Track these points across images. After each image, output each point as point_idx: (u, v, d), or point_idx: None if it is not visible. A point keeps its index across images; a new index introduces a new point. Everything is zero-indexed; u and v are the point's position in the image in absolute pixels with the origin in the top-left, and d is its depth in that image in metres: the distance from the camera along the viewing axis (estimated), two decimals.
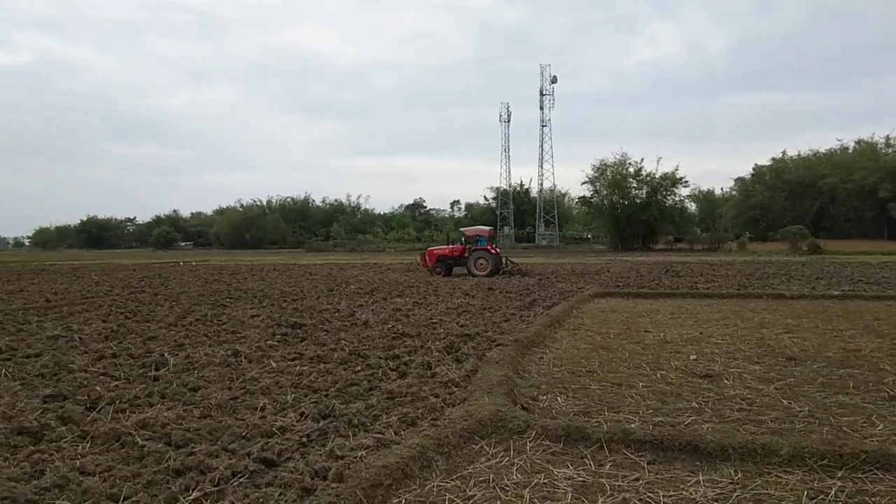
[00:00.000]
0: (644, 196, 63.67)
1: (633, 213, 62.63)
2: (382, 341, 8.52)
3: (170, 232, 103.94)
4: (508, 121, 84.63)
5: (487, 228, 26.29)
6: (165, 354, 7.50)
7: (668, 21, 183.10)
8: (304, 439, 4.33)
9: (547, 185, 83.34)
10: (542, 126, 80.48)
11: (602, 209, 66.23)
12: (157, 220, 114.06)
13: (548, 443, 4.39)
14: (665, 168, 64.33)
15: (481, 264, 23.04)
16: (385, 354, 7.51)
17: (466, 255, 23.67)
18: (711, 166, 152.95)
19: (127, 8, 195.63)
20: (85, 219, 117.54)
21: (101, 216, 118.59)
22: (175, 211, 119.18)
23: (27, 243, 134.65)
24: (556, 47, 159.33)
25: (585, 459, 4.17)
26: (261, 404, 5.28)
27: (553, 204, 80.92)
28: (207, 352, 7.71)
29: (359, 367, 6.79)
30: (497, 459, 4.14)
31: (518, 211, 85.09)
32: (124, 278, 23.45)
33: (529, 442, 4.40)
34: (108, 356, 7.52)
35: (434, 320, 10.62)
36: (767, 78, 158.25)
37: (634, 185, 64.62)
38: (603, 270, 26.04)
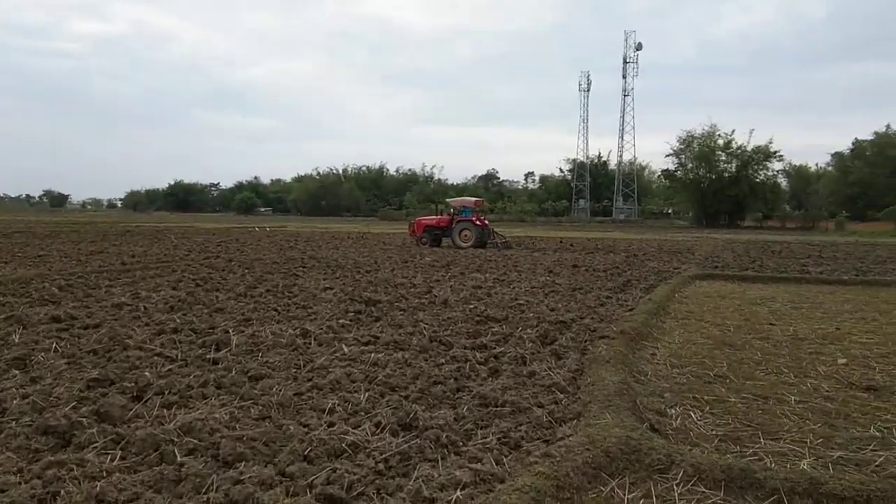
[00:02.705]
0: (733, 170, 60.03)
1: (720, 187, 59.21)
2: (466, 325, 7.54)
3: (251, 198, 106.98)
4: (588, 90, 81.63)
5: (473, 199, 26.07)
6: (230, 331, 6.76)
7: None
8: (381, 465, 3.39)
9: (627, 157, 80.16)
10: (625, 95, 77.16)
11: (686, 183, 63.06)
12: (240, 186, 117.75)
13: (703, 489, 3.27)
14: (757, 140, 60.35)
15: (465, 235, 22.83)
16: (471, 343, 6.52)
17: (453, 225, 23.37)
18: (805, 140, 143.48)
19: None
20: (173, 182, 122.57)
21: (187, 181, 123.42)
22: (256, 177, 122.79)
23: (119, 205, 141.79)
24: (641, 14, 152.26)
25: None
26: (329, 405, 4.40)
27: (633, 177, 77.62)
28: (275, 330, 6.94)
29: (442, 360, 5.82)
30: None
31: (595, 184, 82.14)
32: (202, 242, 23.48)
33: (677, 486, 3.30)
34: (168, 331, 6.86)
35: (520, 301, 9.55)
36: (871, 47, 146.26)
37: (723, 158, 61.02)
38: (692, 248, 24.34)
